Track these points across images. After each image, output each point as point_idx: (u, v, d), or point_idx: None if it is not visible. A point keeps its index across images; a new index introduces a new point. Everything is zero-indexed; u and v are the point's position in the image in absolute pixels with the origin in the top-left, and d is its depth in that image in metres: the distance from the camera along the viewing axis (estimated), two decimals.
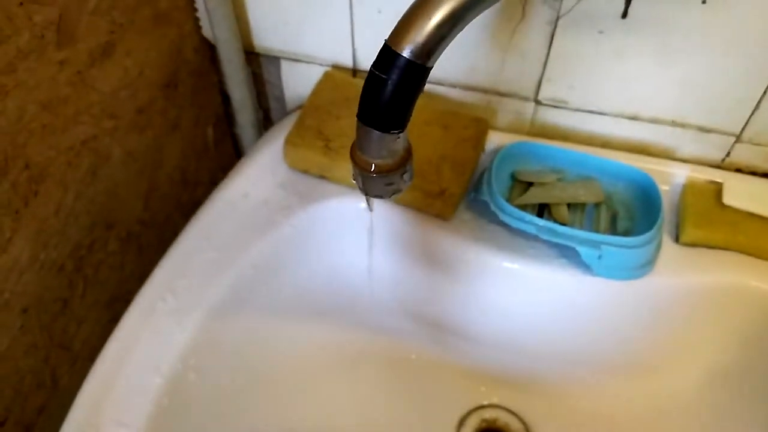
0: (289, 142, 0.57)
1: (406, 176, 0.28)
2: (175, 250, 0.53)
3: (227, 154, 0.76)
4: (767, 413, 0.53)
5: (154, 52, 0.56)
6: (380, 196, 0.29)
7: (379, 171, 0.27)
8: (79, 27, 0.46)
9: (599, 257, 0.50)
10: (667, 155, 0.60)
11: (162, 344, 0.48)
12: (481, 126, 0.59)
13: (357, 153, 0.27)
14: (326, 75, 0.62)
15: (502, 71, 0.58)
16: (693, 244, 0.54)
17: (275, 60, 0.65)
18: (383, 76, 0.24)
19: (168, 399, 0.47)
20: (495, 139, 0.61)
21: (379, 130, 0.25)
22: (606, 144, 0.61)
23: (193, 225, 0.55)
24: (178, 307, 0.50)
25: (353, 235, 0.59)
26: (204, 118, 0.68)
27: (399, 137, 0.26)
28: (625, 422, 0.58)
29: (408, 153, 0.27)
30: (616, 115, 0.59)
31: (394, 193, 0.28)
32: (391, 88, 0.24)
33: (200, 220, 0.55)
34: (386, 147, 0.26)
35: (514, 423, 0.60)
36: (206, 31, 0.62)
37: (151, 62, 0.56)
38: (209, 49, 0.64)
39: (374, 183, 0.28)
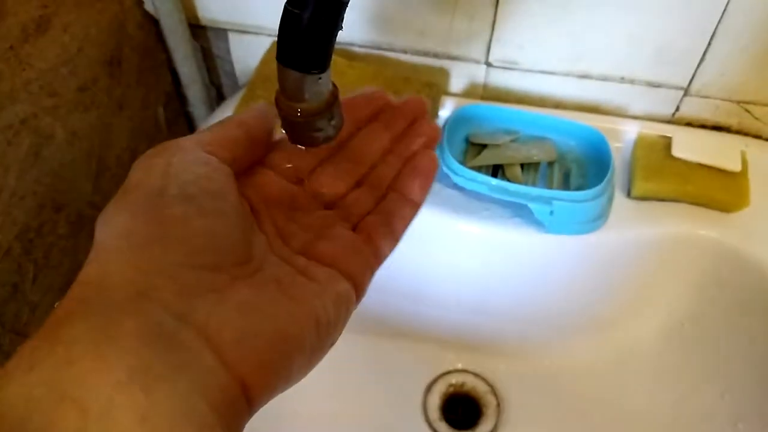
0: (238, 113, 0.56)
1: (334, 121, 0.28)
2: None
3: (181, 135, 0.74)
4: (722, 357, 0.54)
5: (93, 28, 0.55)
6: (311, 144, 0.28)
7: (305, 115, 0.26)
8: (8, 0, 0.45)
9: (551, 213, 0.50)
10: (618, 113, 0.61)
11: None
12: (433, 91, 0.58)
13: (281, 98, 0.27)
14: (275, 45, 0.61)
15: (451, 34, 0.58)
16: (644, 198, 0.54)
17: (223, 33, 0.64)
18: (296, 11, 0.23)
19: None
20: (449, 105, 0.61)
21: (298, 71, 0.25)
22: (559, 105, 0.61)
23: None
24: None
25: None
26: (153, 97, 0.67)
27: (321, 78, 0.25)
28: (589, 376, 0.59)
29: (334, 97, 0.27)
30: (567, 74, 0.59)
31: (324, 141, 0.28)
32: (306, 23, 0.23)
33: None
34: (309, 89, 0.26)
35: (480, 386, 0.60)
36: (148, 5, 0.60)
37: (90, 38, 0.55)
38: (154, 25, 0.63)
39: (302, 129, 0.27)
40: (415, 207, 0.30)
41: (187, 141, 0.26)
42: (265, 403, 0.22)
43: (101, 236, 0.22)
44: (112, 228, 0.22)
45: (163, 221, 0.22)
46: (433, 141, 0.32)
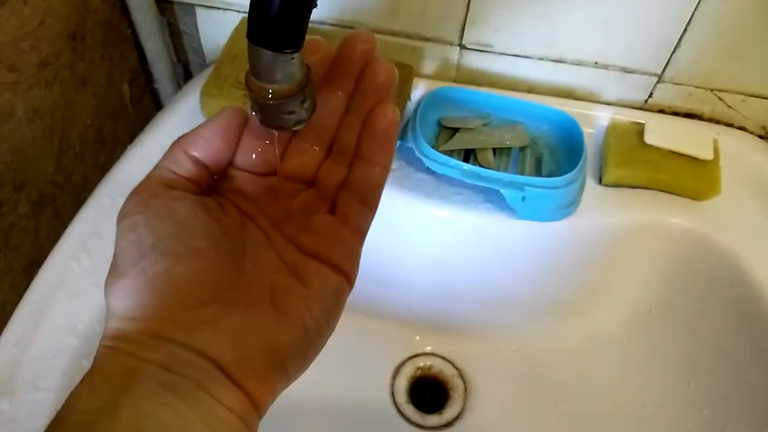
0: (205, 92, 0.55)
1: (306, 104, 0.27)
2: (88, 210, 0.51)
3: (147, 113, 0.72)
4: (689, 345, 0.55)
5: (55, 1, 0.53)
6: (282, 127, 0.27)
7: (277, 97, 0.25)
8: None
9: (523, 199, 0.50)
10: (591, 98, 0.61)
11: (78, 305, 0.46)
12: (405, 72, 0.57)
13: (251, 79, 0.25)
14: (243, 21, 0.59)
15: (425, 14, 0.57)
16: (615, 185, 0.54)
17: (190, 8, 0.62)
18: None
19: (87, 361, 0.45)
20: (421, 87, 0.60)
21: (271, 50, 0.24)
22: (532, 89, 0.61)
23: (107, 182, 0.53)
24: (93, 267, 0.48)
25: None
26: (118, 73, 0.65)
27: (294, 58, 0.24)
28: (556, 362, 0.59)
29: (307, 78, 0.26)
30: (541, 58, 0.58)
31: (296, 124, 0.27)
32: (279, 0, 0.22)
33: (114, 178, 0.53)
34: (281, 70, 0.25)
35: (448, 369, 0.60)
36: None
37: (53, 11, 0.53)
38: None
39: (273, 111, 0.26)
40: (384, 171, 0.31)
41: (151, 183, 0.28)
42: (272, 403, 0.27)
43: (111, 302, 0.26)
44: (116, 295, 0.26)
45: (151, 280, 0.25)
46: (389, 82, 0.30)
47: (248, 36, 0.24)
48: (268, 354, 0.26)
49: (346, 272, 0.29)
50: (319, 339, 0.28)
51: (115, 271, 0.26)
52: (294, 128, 0.27)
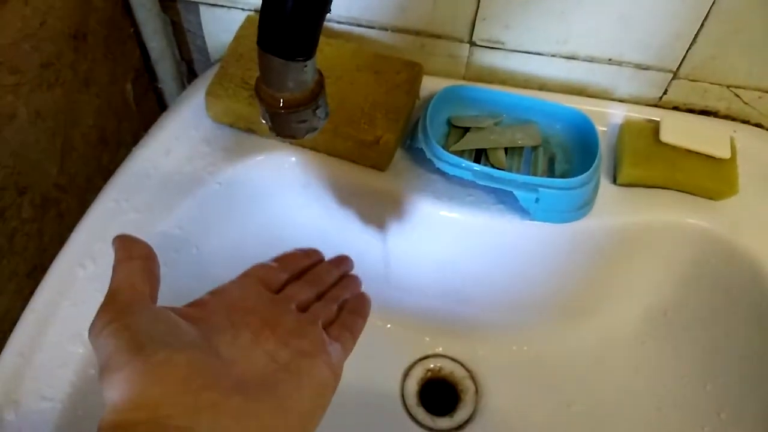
0: (210, 93, 0.53)
1: (319, 112, 0.25)
2: (92, 214, 0.50)
3: (151, 112, 0.71)
4: (705, 346, 0.54)
5: (57, 0, 0.52)
6: (293, 136, 0.26)
7: (288, 106, 0.24)
8: None
9: (536, 200, 0.49)
10: (605, 95, 0.59)
11: (84, 312, 0.45)
12: (414, 70, 0.56)
13: (262, 87, 0.24)
14: (249, 19, 0.58)
15: (434, 11, 0.56)
16: (630, 184, 0.53)
17: (194, 6, 0.61)
18: None
19: (95, 369, 0.44)
20: (430, 85, 0.59)
21: (282, 58, 0.23)
22: (543, 86, 0.60)
23: (111, 186, 0.52)
24: (98, 272, 0.47)
25: (285, 190, 0.56)
26: (121, 72, 0.64)
27: (306, 66, 0.23)
28: (569, 364, 0.58)
29: (319, 86, 0.25)
30: (553, 55, 0.57)
31: (308, 132, 0.26)
32: (292, 5, 0.21)
33: (119, 181, 0.52)
34: (293, 78, 0.23)
35: (458, 371, 0.59)
36: None
37: (54, 11, 0.52)
38: None
39: (284, 121, 0.25)
40: (364, 323, 0.39)
41: (122, 296, 0.30)
42: None
43: (111, 394, 0.26)
44: (117, 387, 0.26)
45: (153, 367, 0.26)
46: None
47: (259, 43, 0.23)
48: None
49: (335, 371, 0.33)
50: (311, 425, 0.31)
51: (109, 368, 0.27)
52: (306, 136, 0.26)
